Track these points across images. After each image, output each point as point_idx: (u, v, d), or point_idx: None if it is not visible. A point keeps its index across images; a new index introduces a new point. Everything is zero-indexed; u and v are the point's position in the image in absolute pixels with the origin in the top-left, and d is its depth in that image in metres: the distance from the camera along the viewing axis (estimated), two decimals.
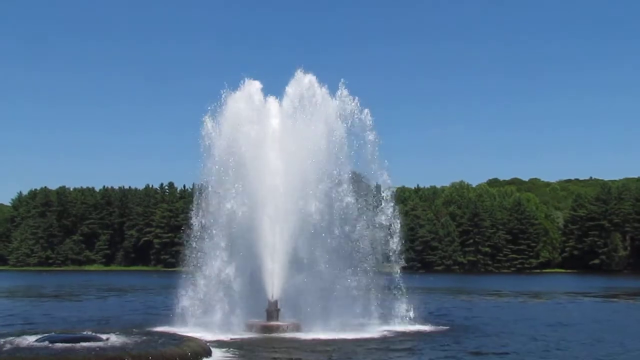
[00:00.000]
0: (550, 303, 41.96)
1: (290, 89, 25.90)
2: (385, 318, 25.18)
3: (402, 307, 25.53)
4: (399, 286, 25.60)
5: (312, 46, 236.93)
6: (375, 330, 23.66)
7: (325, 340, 21.38)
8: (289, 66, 26.36)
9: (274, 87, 26.72)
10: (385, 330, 23.80)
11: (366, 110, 25.62)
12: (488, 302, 41.28)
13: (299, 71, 25.82)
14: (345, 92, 25.66)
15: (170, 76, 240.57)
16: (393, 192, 25.66)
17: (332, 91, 25.82)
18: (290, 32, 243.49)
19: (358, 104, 25.63)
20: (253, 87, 25.76)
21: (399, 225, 25.40)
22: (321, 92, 25.61)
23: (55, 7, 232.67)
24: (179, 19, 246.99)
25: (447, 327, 25.18)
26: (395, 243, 25.35)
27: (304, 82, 25.71)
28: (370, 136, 25.44)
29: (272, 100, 26.01)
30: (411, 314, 25.53)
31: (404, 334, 23.39)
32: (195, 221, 24.74)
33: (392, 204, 25.36)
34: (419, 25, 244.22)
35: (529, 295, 49.81)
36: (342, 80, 25.68)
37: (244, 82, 25.66)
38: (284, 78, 26.32)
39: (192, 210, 25.02)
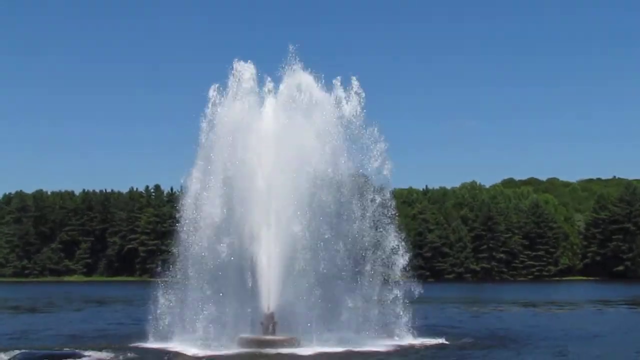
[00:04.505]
0: (585, 312, 42.56)
1: (285, 85, 25.81)
2: (390, 331, 25.10)
3: (407, 319, 25.35)
4: (404, 297, 25.48)
5: (315, 27, 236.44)
6: (379, 344, 23.60)
7: (324, 354, 21.38)
8: (292, 50, 26.05)
9: (272, 73, 26.52)
10: (389, 345, 23.73)
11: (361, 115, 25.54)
12: (506, 313, 41.28)
13: (295, 66, 25.64)
14: (340, 88, 25.62)
15: (159, 67, 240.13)
16: (392, 192, 25.58)
17: (331, 84, 25.80)
18: (294, 13, 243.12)
19: (362, 101, 25.55)
20: (246, 73, 25.58)
21: (394, 227, 25.22)
22: (318, 88, 25.52)
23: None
24: (165, 7, 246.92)
25: (470, 341, 25.10)
26: (399, 249, 25.25)
27: (300, 77, 25.59)
28: (374, 135, 25.37)
29: (267, 101, 25.99)
30: (414, 326, 25.39)
31: (409, 348, 23.37)
32: (183, 227, 24.73)
33: (392, 206, 25.19)
34: (429, 6, 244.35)
35: (557, 304, 49.96)
36: (350, 78, 25.75)
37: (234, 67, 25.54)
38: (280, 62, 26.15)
39: (180, 215, 24.99)
